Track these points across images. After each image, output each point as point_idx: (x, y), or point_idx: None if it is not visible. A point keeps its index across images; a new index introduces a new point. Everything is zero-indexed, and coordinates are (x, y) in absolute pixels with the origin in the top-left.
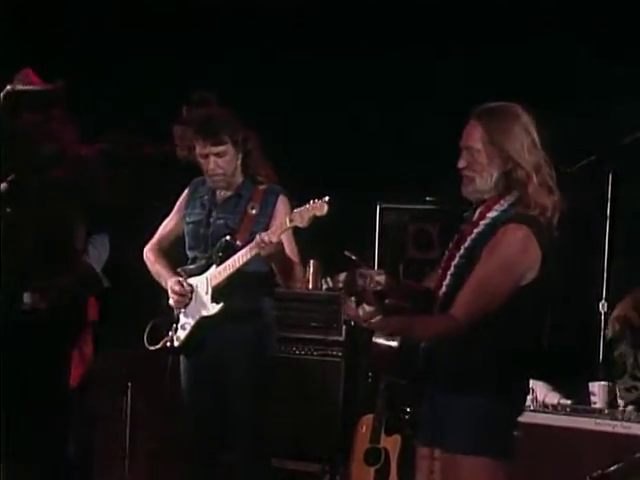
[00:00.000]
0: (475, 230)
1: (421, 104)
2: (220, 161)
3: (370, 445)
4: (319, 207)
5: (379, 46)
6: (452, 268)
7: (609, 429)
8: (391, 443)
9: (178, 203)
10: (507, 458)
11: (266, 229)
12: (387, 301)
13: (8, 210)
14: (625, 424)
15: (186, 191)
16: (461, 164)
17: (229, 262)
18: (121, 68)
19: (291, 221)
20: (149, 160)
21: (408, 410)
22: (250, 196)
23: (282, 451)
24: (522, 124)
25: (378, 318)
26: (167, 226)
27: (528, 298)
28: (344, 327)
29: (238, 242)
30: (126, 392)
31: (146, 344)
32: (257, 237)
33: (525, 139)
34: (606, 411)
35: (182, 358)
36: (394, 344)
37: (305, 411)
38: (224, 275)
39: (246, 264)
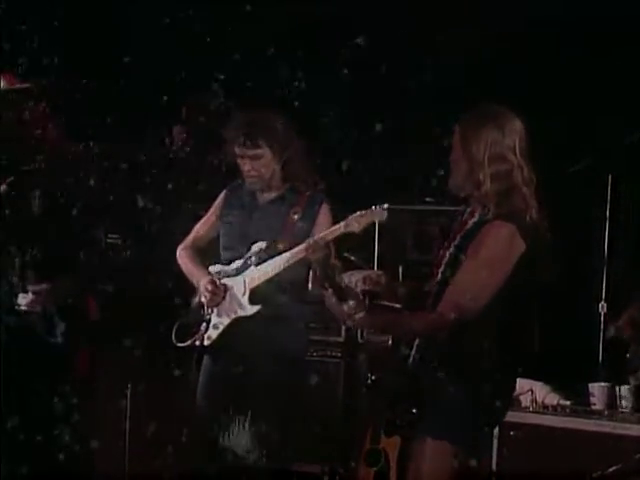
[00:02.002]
0: (464, 228)
1: (421, 104)
2: (255, 164)
3: (370, 446)
4: (379, 213)
5: (379, 46)
6: (442, 266)
7: (609, 430)
8: (391, 444)
9: (214, 205)
10: (471, 449)
11: (307, 236)
12: (374, 301)
13: (7, 212)
14: (625, 425)
15: (223, 194)
16: (450, 156)
17: (272, 264)
18: (119, 68)
19: (347, 226)
20: (147, 160)
21: (411, 410)
22: (293, 201)
23: (281, 452)
24: (496, 131)
25: (362, 314)
26: (203, 227)
27: (511, 294)
28: (343, 328)
29: (280, 245)
30: (126, 393)
31: (174, 341)
32: (308, 240)
33: (494, 147)
34: (605, 412)
35: (206, 357)
36: (388, 341)
37: (304, 412)
38: (265, 277)
39: (290, 267)
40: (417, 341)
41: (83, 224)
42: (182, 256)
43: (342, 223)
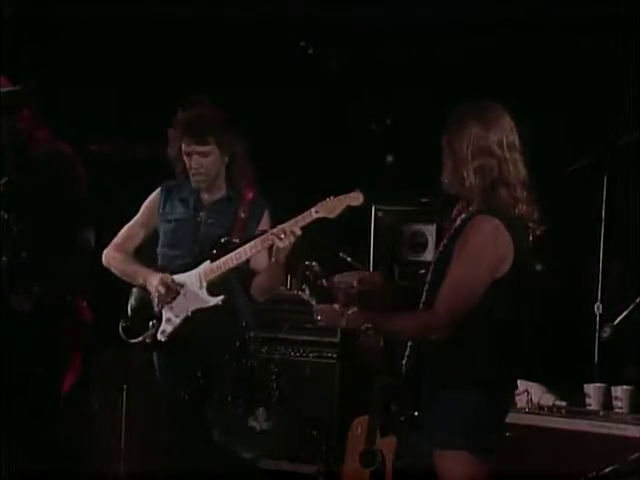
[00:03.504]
0: (452, 226)
1: (418, 104)
2: (203, 161)
3: (365, 447)
4: (355, 197)
5: (375, 46)
6: (433, 265)
7: (604, 431)
8: (387, 445)
9: (146, 206)
10: (488, 455)
11: (253, 236)
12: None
13: (2, 214)
14: (620, 426)
15: (156, 194)
16: (443, 155)
17: (232, 255)
18: (116, 69)
19: (317, 212)
20: (141, 162)
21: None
22: (239, 201)
23: (277, 452)
24: (480, 126)
25: (354, 311)
26: (133, 228)
27: (504, 291)
28: (339, 328)
29: (235, 240)
30: (121, 393)
31: (124, 337)
32: (275, 229)
33: (478, 141)
34: (601, 413)
35: (161, 353)
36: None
37: (300, 412)
38: (224, 268)
39: (253, 255)
40: (410, 343)
41: (75, 225)
42: (115, 258)
43: (312, 209)
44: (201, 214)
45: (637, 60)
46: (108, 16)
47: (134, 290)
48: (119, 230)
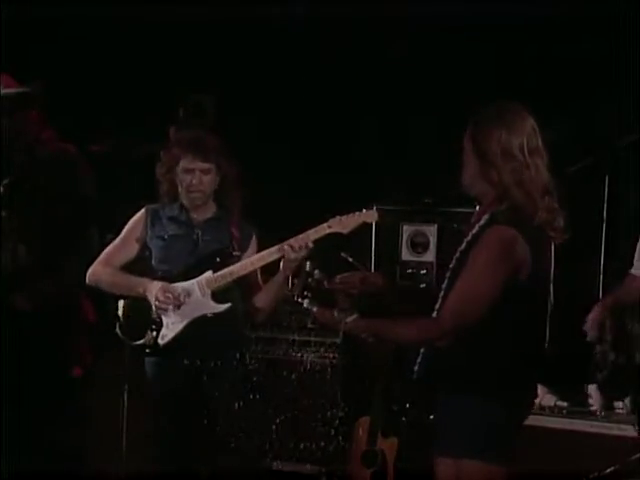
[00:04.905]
0: (470, 232)
1: (418, 104)
2: (204, 178)
3: (367, 447)
4: (369, 215)
5: (374, 47)
6: (449, 271)
7: (605, 431)
8: (388, 445)
9: (132, 225)
10: (503, 463)
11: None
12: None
13: (3, 214)
14: (621, 426)
15: (142, 214)
16: (463, 157)
17: (238, 265)
18: (116, 69)
19: (330, 227)
20: (142, 160)
21: (407, 413)
22: (229, 221)
23: (279, 453)
24: (505, 128)
25: (354, 317)
26: (118, 246)
27: (522, 300)
28: None
29: (237, 253)
30: (122, 394)
31: (123, 337)
32: (289, 240)
33: (503, 144)
34: (602, 414)
35: (158, 358)
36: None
37: (302, 413)
38: (229, 278)
39: (261, 265)
40: (423, 349)
41: (80, 224)
42: (105, 272)
43: (325, 224)
44: (196, 231)
45: (637, 60)
46: (108, 16)
47: (126, 299)
48: (120, 230)
